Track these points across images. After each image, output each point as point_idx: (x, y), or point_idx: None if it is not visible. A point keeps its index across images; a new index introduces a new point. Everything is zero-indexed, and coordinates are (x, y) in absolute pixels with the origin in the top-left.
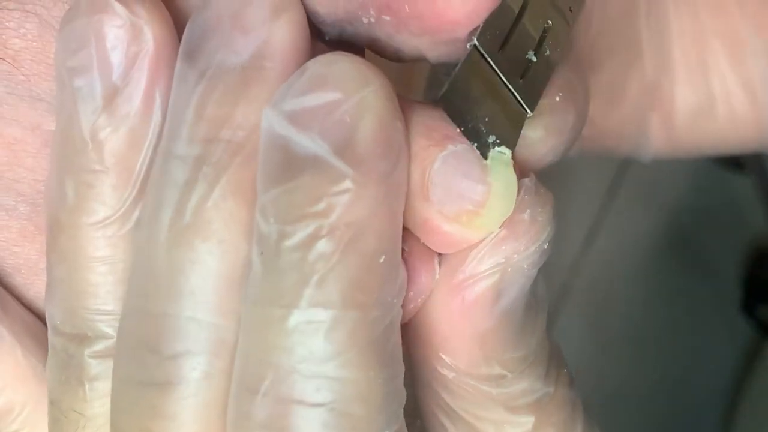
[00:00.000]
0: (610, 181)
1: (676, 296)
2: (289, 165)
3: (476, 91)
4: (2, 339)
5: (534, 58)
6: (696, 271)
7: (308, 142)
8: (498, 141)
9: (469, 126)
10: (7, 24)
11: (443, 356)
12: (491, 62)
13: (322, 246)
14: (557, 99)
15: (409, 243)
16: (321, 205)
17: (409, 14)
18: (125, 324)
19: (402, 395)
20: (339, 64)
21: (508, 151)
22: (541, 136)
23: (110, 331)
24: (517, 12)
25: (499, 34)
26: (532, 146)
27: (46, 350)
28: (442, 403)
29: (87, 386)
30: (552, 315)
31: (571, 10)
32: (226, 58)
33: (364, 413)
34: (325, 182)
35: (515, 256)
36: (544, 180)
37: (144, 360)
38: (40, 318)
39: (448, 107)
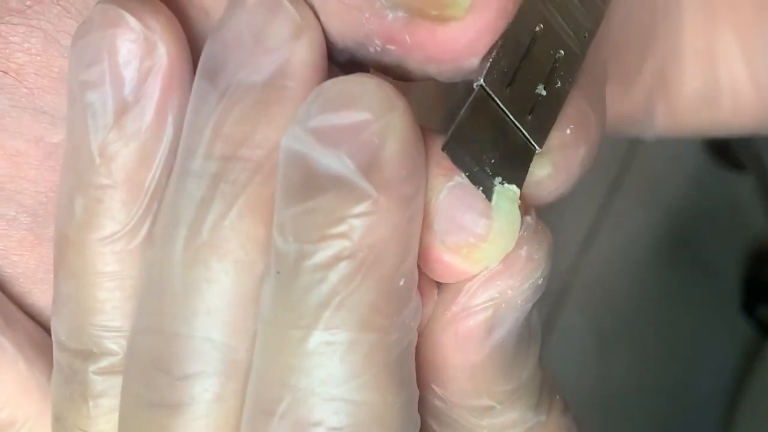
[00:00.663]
0: (610, 181)
1: (676, 296)
2: (310, 183)
3: (482, 133)
4: (4, 351)
5: (543, 92)
6: (696, 271)
7: (332, 161)
8: (504, 181)
9: (474, 170)
10: (11, 38)
11: (434, 387)
12: (498, 101)
13: (344, 267)
14: (568, 132)
15: None
16: (344, 226)
17: (411, 45)
18: (136, 343)
19: (417, 421)
20: (367, 85)
21: (514, 188)
22: (549, 173)
23: (116, 347)
24: (526, 45)
25: (507, 72)
26: (540, 183)
27: (50, 361)
28: None
29: (91, 403)
30: (552, 315)
31: (585, 36)
32: (247, 77)
33: None
34: (348, 202)
35: (509, 291)
36: None
37: (155, 380)
38: (41, 326)
39: (452, 153)
